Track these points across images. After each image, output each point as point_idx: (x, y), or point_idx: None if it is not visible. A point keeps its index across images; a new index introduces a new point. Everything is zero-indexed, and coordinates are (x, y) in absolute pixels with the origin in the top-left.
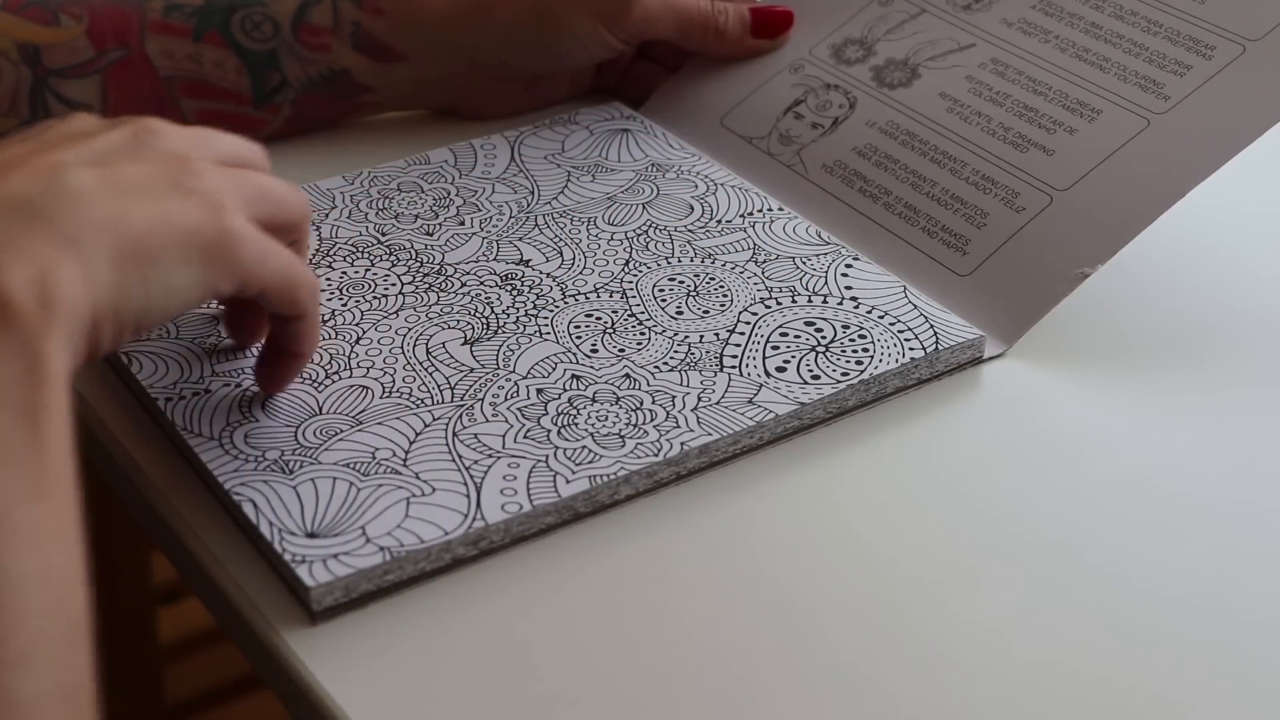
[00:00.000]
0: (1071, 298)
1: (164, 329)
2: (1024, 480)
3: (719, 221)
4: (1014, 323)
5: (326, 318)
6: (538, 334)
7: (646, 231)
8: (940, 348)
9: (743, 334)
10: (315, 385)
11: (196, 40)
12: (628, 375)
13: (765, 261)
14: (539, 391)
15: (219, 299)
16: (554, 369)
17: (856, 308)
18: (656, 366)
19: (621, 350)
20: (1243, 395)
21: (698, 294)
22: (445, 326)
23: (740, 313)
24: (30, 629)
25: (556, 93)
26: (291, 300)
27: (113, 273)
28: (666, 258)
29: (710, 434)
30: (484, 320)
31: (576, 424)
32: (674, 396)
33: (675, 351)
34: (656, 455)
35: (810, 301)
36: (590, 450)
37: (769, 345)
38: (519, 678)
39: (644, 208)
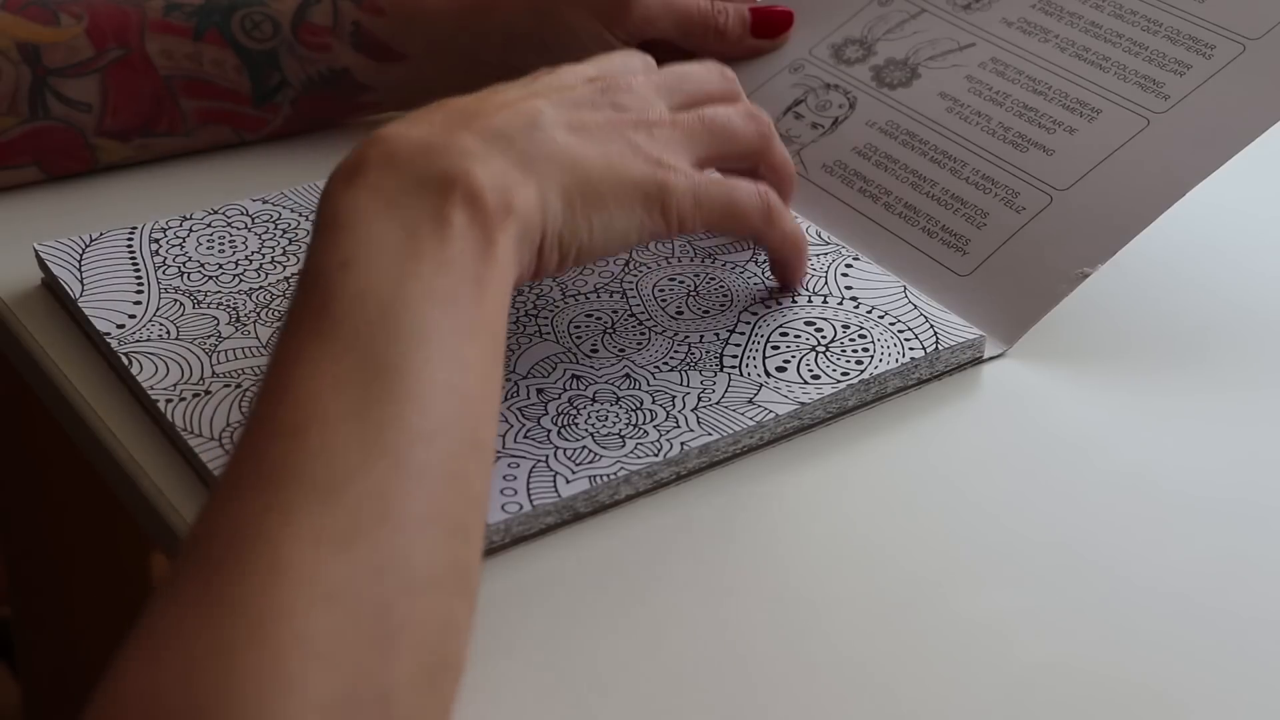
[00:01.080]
0: (1071, 298)
1: (164, 329)
2: (1024, 480)
3: None
4: (1014, 323)
5: None
6: (538, 334)
7: None
8: (940, 348)
9: (743, 334)
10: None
11: (196, 40)
12: (628, 375)
13: (765, 261)
14: (539, 391)
15: (663, 238)
16: (554, 369)
17: (856, 308)
18: (656, 366)
19: (621, 350)
20: (1243, 395)
21: (698, 294)
22: None
23: (740, 313)
24: (438, 419)
25: None
26: (739, 227)
27: (563, 205)
28: (666, 258)
29: (710, 434)
30: None
31: (576, 424)
32: (674, 396)
33: (675, 351)
34: (656, 455)
35: (810, 301)
36: (590, 450)
37: (769, 345)
38: (519, 677)
39: None
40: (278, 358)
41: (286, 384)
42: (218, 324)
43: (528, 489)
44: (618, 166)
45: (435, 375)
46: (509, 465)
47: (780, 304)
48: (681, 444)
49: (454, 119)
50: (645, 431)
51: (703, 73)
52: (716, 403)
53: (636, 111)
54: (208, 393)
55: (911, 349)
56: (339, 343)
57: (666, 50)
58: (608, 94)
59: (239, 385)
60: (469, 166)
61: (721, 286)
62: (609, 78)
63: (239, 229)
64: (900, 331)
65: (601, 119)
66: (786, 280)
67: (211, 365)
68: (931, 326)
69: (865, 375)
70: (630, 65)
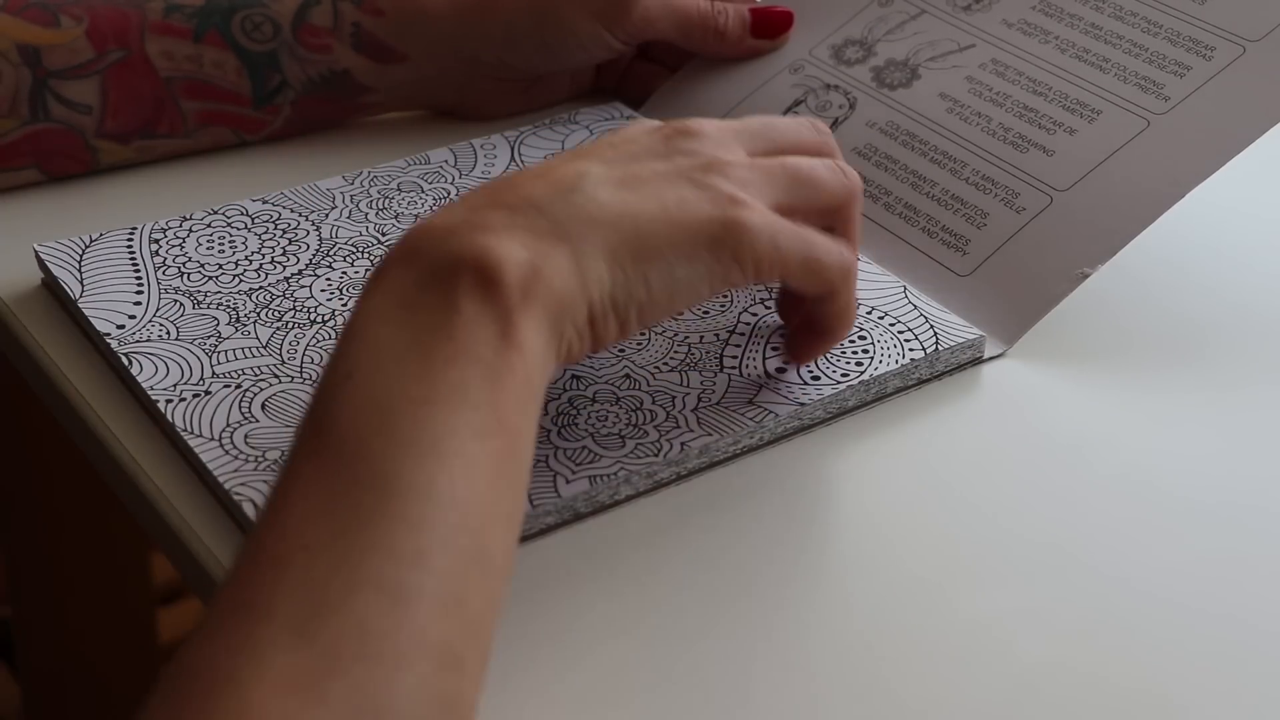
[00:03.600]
0: (1072, 297)
1: (164, 330)
2: (1024, 480)
3: None
4: (1014, 323)
5: (326, 318)
6: None
7: None
8: (940, 348)
9: (743, 334)
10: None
11: (196, 41)
12: (628, 375)
13: None
14: None
15: (739, 286)
16: None
17: (856, 308)
18: (656, 366)
19: (621, 350)
20: (1243, 395)
21: None
22: None
23: (740, 313)
24: (430, 535)
25: (557, 93)
26: (816, 282)
27: (610, 268)
28: None
29: (710, 434)
30: None
31: (576, 424)
32: (674, 397)
33: (675, 352)
34: (656, 455)
35: None
36: (590, 450)
37: (769, 346)
38: (519, 677)
39: None
40: (278, 481)
41: (279, 509)
42: (217, 324)
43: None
44: (675, 212)
45: (432, 484)
46: None
47: None
48: (681, 444)
49: (486, 196)
50: (645, 432)
51: (793, 124)
52: (716, 403)
53: (708, 155)
54: (208, 393)
55: (911, 349)
56: (335, 460)
57: (666, 50)
58: (674, 141)
59: (239, 385)
60: (485, 244)
61: None
62: (680, 125)
63: (239, 229)
64: (900, 332)
65: (662, 168)
66: (808, 354)
67: (211, 365)
68: (931, 327)
69: (865, 376)
70: (693, 122)
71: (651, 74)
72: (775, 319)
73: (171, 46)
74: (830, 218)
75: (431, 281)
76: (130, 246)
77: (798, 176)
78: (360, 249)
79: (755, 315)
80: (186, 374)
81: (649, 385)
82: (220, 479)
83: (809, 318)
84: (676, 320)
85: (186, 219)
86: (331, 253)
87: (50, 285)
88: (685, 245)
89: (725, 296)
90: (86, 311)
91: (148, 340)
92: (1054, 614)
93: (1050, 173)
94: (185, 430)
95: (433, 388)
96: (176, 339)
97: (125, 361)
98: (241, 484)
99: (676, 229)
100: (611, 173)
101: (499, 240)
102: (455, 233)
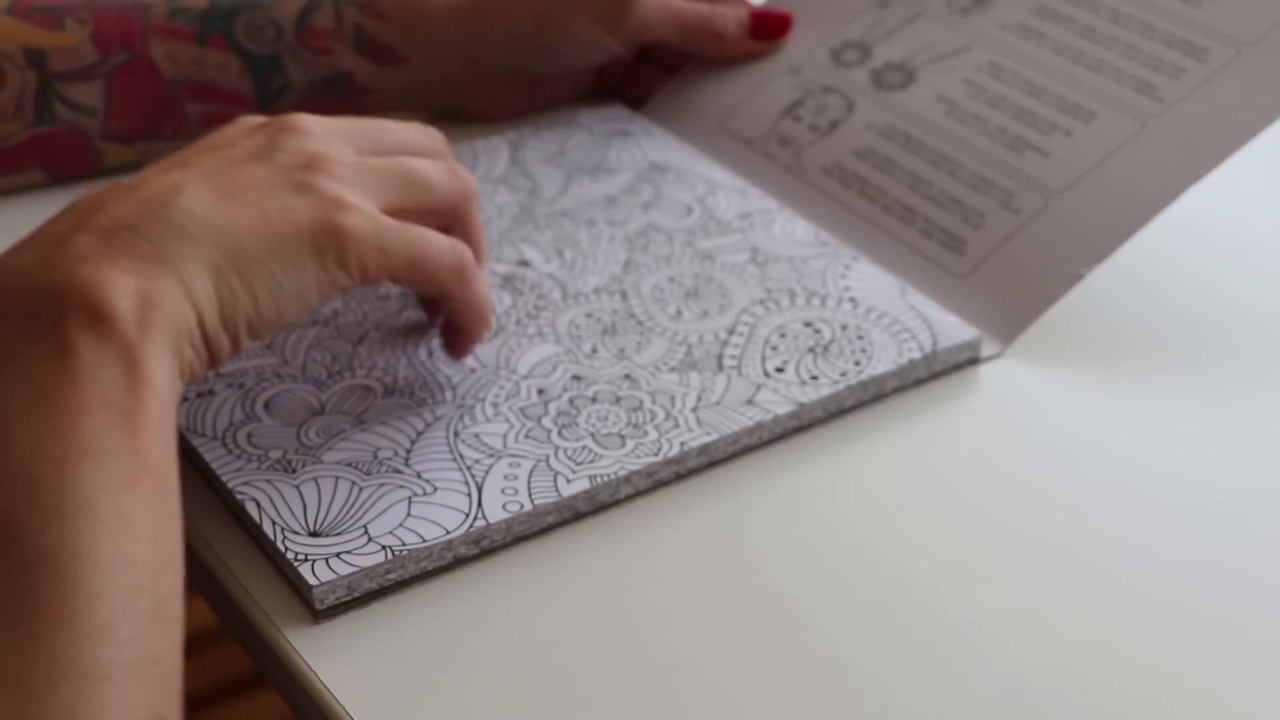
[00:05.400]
0: (1068, 297)
1: None
2: (1022, 480)
3: (718, 223)
4: (1011, 323)
5: (328, 318)
6: (538, 334)
7: (646, 232)
8: (938, 348)
9: (742, 335)
10: (317, 385)
11: (200, 44)
12: (628, 375)
13: (764, 263)
14: (540, 391)
15: (348, 290)
16: (554, 369)
17: (855, 308)
18: (656, 367)
19: (621, 350)
20: (1241, 395)
21: (697, 295)
22: None
23: (739, 314)
24: (110, 604)
25: (557, 95)
26: (426, 283)
27: (213, 284)
28: (666, 259)
29: (710, 434)
30: None
31: (577, 424)
32: (674, 397)
33: (675, 352)
34: (656, 455)
35: (809, 302)
36: (591, 450)
37: (768, 346)
38: (520, 676)
39: (644, 209)
40: None
41: None
42: None
43: (528, 488)
44: (276, 221)
45: (97, 549)
46: (510, 465)
47: (779, 305)
48: (681, 444)
49: (71, 222)
50: (645, 431)
51: (403, 127)
52: (716, 403)
53: (311, 152)
54: (211, 393)
55: (909, 349)
56: None
57: (667, 53)
58: (277, 139)
59: (241, 385)
60: (88, 277)
61: (720, 287)
62: (284, 122)
63: None
64: (898, 332)
65: (263, 172)
66: (457, 350)
67: None
68: (929, 327)
69: (863, 376)
70: (299, 118)
71: (651, 76)
72: (775, 319)
73: (175, 49)
74: (445, 218)
75: (36, 326)
76: None
77: (407, 176)
78: None
79: (755, 315)
80: None
81: (649, 385)
82: (223, 478)
83: (446, 316)
84: (675, 320)
85: None
86: None
87: None
88: (288, 254)
89: (724, 297)
90: None
91: None
92: (1051, 614)
93: (1046, 174)
94: (189, 430)
95: (69, 442)
96: None
97: None
98: (244, 483)
99: (277, 238)
100: (209, 184)
101: (100, 270)
102: (48, 269)
